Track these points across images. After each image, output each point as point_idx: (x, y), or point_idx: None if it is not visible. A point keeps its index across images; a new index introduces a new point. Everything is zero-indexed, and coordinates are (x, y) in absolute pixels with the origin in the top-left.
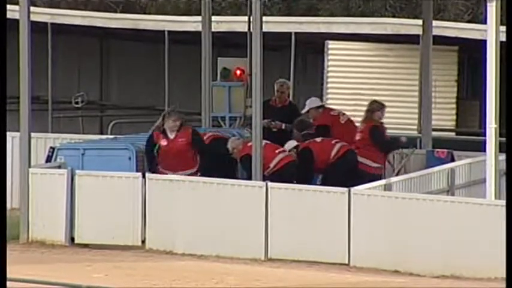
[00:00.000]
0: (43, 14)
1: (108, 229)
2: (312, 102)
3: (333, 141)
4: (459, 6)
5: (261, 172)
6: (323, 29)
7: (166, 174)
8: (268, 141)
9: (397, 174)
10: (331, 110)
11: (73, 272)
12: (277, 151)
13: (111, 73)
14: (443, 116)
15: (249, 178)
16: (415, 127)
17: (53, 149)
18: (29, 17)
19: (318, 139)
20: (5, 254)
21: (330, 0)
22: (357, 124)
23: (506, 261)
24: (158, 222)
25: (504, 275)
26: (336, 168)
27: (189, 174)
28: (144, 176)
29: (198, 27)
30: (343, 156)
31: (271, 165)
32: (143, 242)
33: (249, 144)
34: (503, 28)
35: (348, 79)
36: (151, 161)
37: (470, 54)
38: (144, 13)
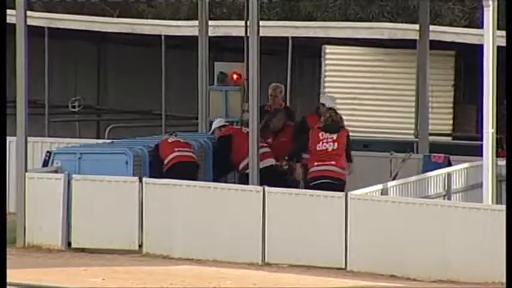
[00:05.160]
0: (40, 18)
1: (105, 233)
2: (216, 123)
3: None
4: (456, 11)
5: (258, 176)
6: (320, 33)
7: None
8: (179, 139)
9: (393, 179)
10: (232, 124)
11: (70, 276)
12: (176, 148)
13: (108, 77)
14: (440, 121)
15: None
16: (412, 131)
17: (49, 153)
18: (25, 21)
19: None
20: (4, 258)
21: (328, 8)
22: None
23: (506, 266)
24: (155, 226)
25: (502, 279)
26: None
27: None
28: (141, 181)
29: (195, 32)
30: None
31: (165, 161)
32: (140, 246)
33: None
34: (499, 33)
35: (344, 83)
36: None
37: (467, 58)
38: (141, 17)
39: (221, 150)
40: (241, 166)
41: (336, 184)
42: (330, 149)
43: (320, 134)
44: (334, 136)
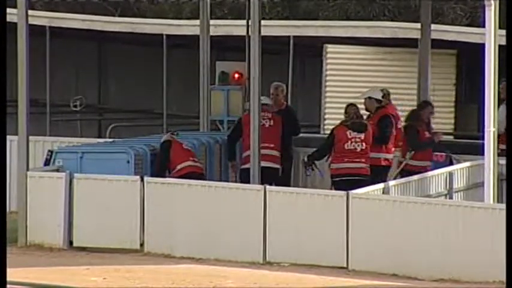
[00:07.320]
0: (41, 18)
1: (107, 232)
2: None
3: None
4: (457, 10)
5: (259, 175)
6: (321, 32)
7: None
8: (188, 146)
9: (395, 178)
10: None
11: (71, 275)
12: (191, 158)
13: (109, 76)
14: (442, 120)
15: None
16: None
17: (51, 152)
18: (27, 20)
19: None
20: (5, 257)
21: (329, 7)
22: None
23: (506, 266)
24: (156, 225)
25: (503, 279)
26: None
27: None
28: (142, 180)
29: (197, 31)
30: None
31: (178, 167)
32: (141, 245)
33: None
34: (501, 32)
35: (346, 83)
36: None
37: (468, 57)
38: (142, 17)
39: (232, 132)
40: (244, 155)
41: (365, 180)
42: (358, 149)
43: (348, 133)
44: (362, 136)
